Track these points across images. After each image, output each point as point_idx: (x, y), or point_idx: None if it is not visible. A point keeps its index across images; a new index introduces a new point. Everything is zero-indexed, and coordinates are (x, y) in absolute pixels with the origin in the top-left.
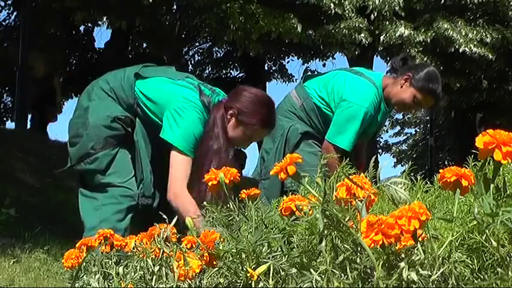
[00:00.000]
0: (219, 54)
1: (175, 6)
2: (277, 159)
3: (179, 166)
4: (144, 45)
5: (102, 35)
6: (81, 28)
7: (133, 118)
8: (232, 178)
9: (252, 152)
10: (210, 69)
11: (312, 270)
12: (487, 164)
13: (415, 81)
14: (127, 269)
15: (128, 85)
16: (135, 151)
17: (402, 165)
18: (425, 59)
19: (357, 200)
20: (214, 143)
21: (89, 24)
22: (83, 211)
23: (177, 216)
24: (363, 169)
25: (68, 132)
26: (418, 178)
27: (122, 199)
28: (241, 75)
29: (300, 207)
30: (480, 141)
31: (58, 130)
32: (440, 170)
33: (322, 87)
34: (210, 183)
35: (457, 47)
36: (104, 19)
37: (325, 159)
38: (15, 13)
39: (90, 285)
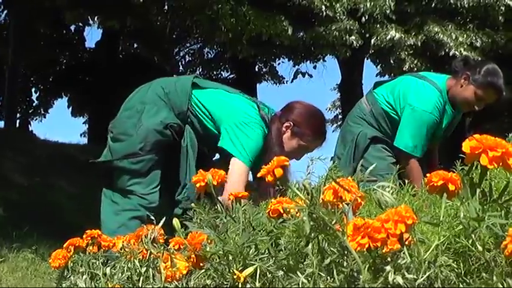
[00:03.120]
0: (209, 55)
1: (166, 7)
2: (347, 164)
3: (239, 172)
4: (135, 45)
5: (93, 35)
6: (72, 28)
7: (183, 125)
8: (220, 180)
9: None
10: (200, 70)
11: (298, 272)
12: (474, 168)
13: (474, 77)
14: (114, 269)
15: (183, 93)
16: (176, 157)
17: None
18: (415, 62)
19: (343, 203)
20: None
21: (80, 24)
22: (104, 213)
23: (165, 217)
24: (436, 169)
25: (110, 128)
26: (406, 181)
27: (139, 207)
28: (231, 76)
29: (287, 209)
30: (467, 145)
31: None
32: (428, 174)
33: (390, 92)
34: (198, 185)
35: (447, 50)
36: (95, 19)
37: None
38: (5, 12)
39: (77, 286)
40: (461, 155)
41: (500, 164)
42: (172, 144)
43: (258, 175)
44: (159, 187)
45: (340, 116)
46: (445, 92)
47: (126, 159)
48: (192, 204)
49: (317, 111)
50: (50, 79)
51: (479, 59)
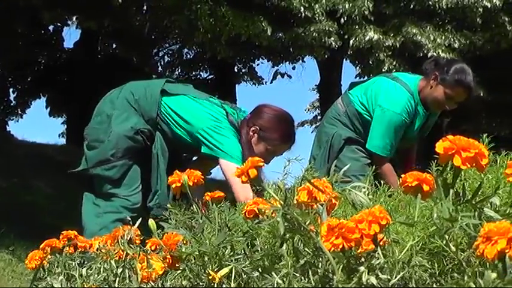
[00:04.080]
0: (188, 56)
1: (145, 7)
2: (322, 165)
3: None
4: (114, 45)
5: (71, 35)
6: (50, 28)
7: (153, 131)
8: (196, 180)
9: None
10: (179, 70)
11: (273, 273)
12: (448, 169)
13: (442, 77)
14: (90, 270)
15: (153, 100)
16: (148, 163)
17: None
18: (394, 63)
19: (318, 203)
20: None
21: (58, 24)
22: (85, 215)
23: (141, 218)
24: (411, 169)
25: (85, 135)
26: (382, 182)
27: (122, 209)
28: (211, 77)
29: (263, 210)
30: (440, 146)
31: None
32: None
33: (363, 93)
34: (173, 186)
35: (425, 51)
36: (74, 19)
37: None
38: None
39: (53, 287)
40: (436, 156)
41: (473, 164)
42: (145, 149)
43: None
44: (140, 188)
45: (319, 117)
46: (416, 93)
47: (99, 166)
48: (168, 205)
49: (284, 115)
50: (28, 79)
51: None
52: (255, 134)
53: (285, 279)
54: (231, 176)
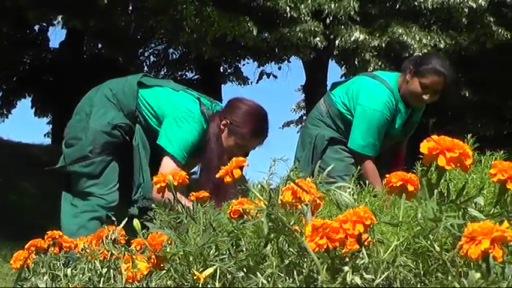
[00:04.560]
0: (174, 56)
1: (130, 7)
2: (306, 166)
3: (171, 166)
4: (99, 45)
5: (56, 35)
6: (36, 28)
7: (133, 125)
8: (181, 180)
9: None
10: (165, 70)
11: (258, 273)
12: (433, 169)
13: (415, 70)
14: (75, 270)
15: (130, 92)
16: (130, 157)
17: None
18: (379, 63)
19: (302, 204)
20: (210, 153)
21: (44, 24)
22: (63, 216)
23: (126, 219)
24: (399, 168)
25: (65, 134)
26: (367, 182)
27: (98, 208)
28: (196, 77)
29: (247, 210)
30: (424, 147)
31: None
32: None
33: (345, 93)
34: (158, 185)
35: (411, 52)
36: (59, 19)
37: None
38: None
39: (38, 287)
40: (421, 156)
41: (458, 165)
42: (125, 144)
43: (217, 176)
44: (117, 186)
45: (305, 117)
46: (396, 90)
47: (77, 163)
48: (153, 205)
49: (257, 110)
50: (14, 79)
51: None
52: (226, 128)
53: (269, 279)
54: (164, 168)
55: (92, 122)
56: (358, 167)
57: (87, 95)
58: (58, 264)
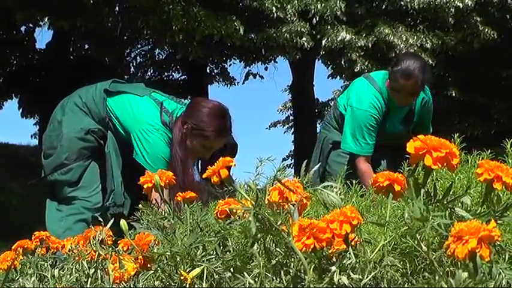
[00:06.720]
0: (161, 56)
1: (117, 8)
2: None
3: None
4: (86, 46)
5: (43, 36)
6: (22, 28)
7: (105, 131)
8: (167, 181)
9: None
10: (152, 71)
11: (245, 273)
12: (420, 169)
13: (390, 71)
14: (63, 271)
15: (99, 99)
16: (105, 162)
17: None
18: (366, 63)
19: (289, 204)
20: (173, 159)
21: (30, 25)
22: (49, 221)
23: (113, 219)
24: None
25: (42, 145)
26: (354, 182)
27: (83, 210)
28: (183, 77)
29: (234, 210)
30: (411, 146)
31: None
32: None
33: (346, 95)
34: (145, 186)
35: (397, 51)
36: (46, 19)
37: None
38: None
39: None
40: (408, 156)
41: (444, 164)
42: (102, 148)
43: (204, 176)
44: (100, 187)
45: (291, 118)
46: (384, 89)
47: (56, 171)
48: (140, 205)
49: (217, 109)
50: (0, 80)
51: (429, 60)
52: (189, 131)
53: (256, 280)
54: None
55: (65, 129)
56: (345, 167)
57: (59, 104)
58: (45, 265)
